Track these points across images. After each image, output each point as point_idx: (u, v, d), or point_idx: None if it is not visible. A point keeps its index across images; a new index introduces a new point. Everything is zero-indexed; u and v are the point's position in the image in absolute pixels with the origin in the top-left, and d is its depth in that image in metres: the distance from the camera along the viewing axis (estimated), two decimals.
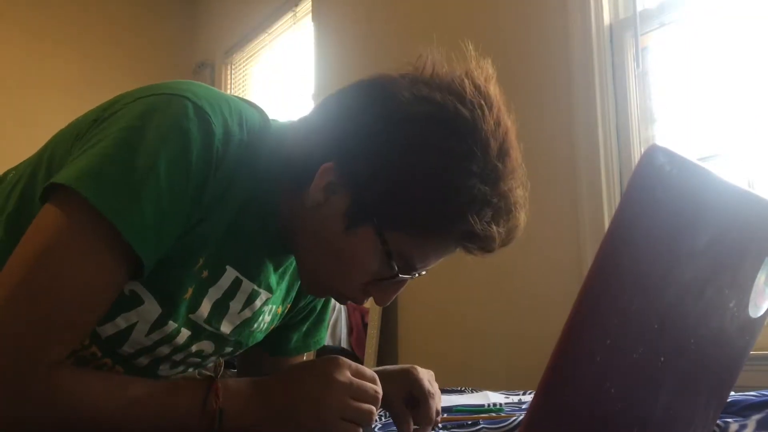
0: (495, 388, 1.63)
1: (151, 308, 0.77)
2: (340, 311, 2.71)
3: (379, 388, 0.81)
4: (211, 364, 0.95)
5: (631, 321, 0.47)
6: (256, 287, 0.86)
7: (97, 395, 0.72)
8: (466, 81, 0.79)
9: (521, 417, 1.02)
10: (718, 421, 0.83)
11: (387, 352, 2.49)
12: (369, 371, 0.82)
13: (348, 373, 0.79)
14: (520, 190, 0.79)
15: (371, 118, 0.77)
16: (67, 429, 0.70)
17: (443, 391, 1.68)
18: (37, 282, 0.68)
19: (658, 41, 1.96)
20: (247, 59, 4.04)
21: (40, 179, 0.78)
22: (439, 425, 1.03)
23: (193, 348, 0.86)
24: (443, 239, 0.79)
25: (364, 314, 2.60)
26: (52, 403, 0.69)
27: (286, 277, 0.94)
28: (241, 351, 0.96)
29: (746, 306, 0.58)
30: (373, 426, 0.80)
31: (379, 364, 2.45)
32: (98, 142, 0.72)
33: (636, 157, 1.95)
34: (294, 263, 0.93)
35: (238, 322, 0.88)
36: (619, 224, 0.40)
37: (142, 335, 0.79)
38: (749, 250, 0.55)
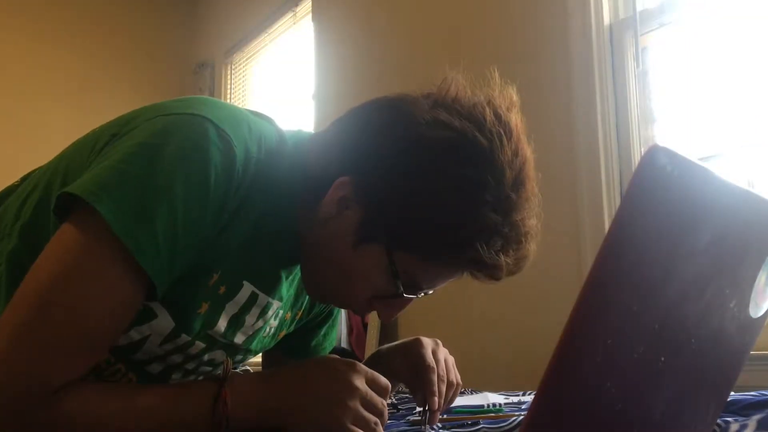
0: (495, 389, 1.63)
1: (164, 322, 0.77)
2: (339, 311, 2.71)
3: (386, 401, 0.81)
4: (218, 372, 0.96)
5: (631, 321, 0.47)
6: (270, 299, 0.87)
7: (104, 414, 0.71)
8: (487, 109, 0.79)
9: (521, 417, 1.02)
10: (718, 421, 0.83)
11: None
12: (383, 380, 0.82)
13: (363, 380, 0.79)
14: (532, 220, 0.79)
15: (391, 138, 0.78)
16: None
17: None
18: (53, 305, 0.67)
19: (658, 41, 1.96)
20: (247, 59, 4.04)
21: (55, 189, 0.78)
22: (439, 425, 1.03)
23: (206, 357, 0.86)
24: (451, 265, 0.79)
25: None
26: (56, 428, 0.69)
27: (295, 284, 0.94)
28: (250, 357, 0.97)
29: (747, 306, 0.58)
30: None
31: None
32: (114, 155, 0.72)
33: (636, 157, 1.95)
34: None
35: (251, 333, 0.89)
36: (620, 224, 0.40)
37: (155, 346, 0.79)
38: (750, 250, 0.55)
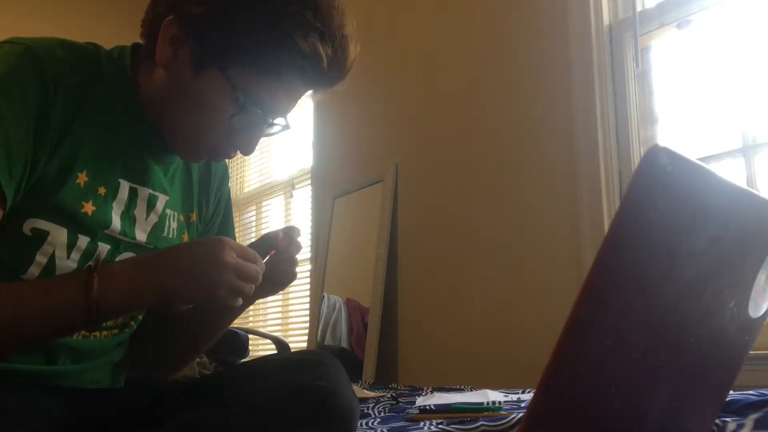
0: (495, 387, 1.63)
1: (57, 233, 0.84)
2: (340, 311, 2.71)
3: (260, 268, 0.86)
4: None
5: (631, 320, 0.47)
6: (151, 191, 0.95)
7: None
8: None
9: (521, 415, 1.02)
10: (716, 420, 0.84)
11: (387, 351, 2.49)
12: (251, 251, 0.87)
13: (234, 255, 0.84)
14: (346, 26, 0.89)
15: None
16: None
17: (442, 390, 1.69)
18: None
19: (658, 41, 1.96)
20: None
21: None
22: (438, 421, 1.04)
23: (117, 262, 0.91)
24: (281, 67, 0.86)
25: (364, 314, 2.60)
26: None
27: (176, 181, 1.01)
28: None
29: (746, 306, 0.58)
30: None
31: (379, 363, 2.46)
32: None
33: (635, 157, 1.95)
34: (180, 168, 1.02)
35: (149, 228, 0.96)
36: (621, 224, 0.40)
37: (65, 261, 0.86)
38: (749, 250, 0.55)
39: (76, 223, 0.86)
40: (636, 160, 1.97)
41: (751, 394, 1.00)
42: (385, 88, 2.71)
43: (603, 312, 0.45)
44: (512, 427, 0.97)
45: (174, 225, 1.01)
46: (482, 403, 1.24)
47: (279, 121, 0.93)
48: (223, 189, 1.12)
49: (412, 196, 2.56)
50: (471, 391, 1.64)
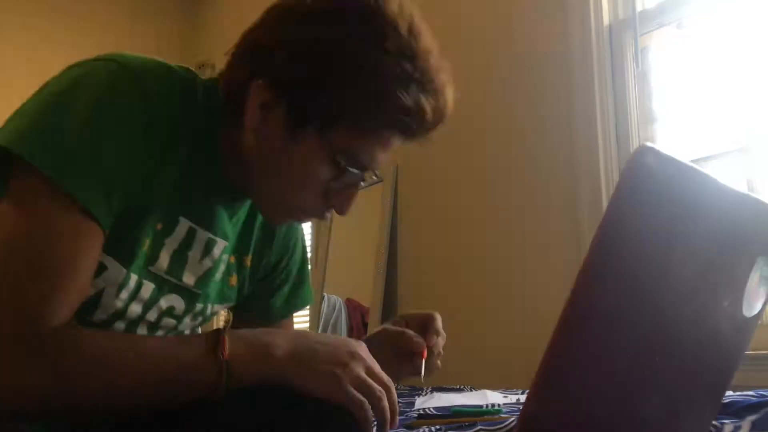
0: (494, 387, 1.63)
1: (116, 271, 0.79)
2: (340, 311, 2.71)
3: (392, 385, 0.79)
4: (188, 330, 0.95)
5: (623, 321, 0.47)
6: (212, 236, 0.89)
7: (107, 352, 0.71)
8: None
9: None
10: (714, 422, 0.83)
11: None
12: (385, 375, 0.81)
13: (367, 355, 0.78)
14: (443, 71, 0.83)
15: (286, 27, 0.82)
16: (78, 392, 0.69)
17: (441, 390, 1.68)
18: (16, 257, 0.70)
19: (658, 41, 1.96)
20: None
21: None
22: (437, 426, 1.03)
23: (163, 303, 0.87)
24: (380, 123, 0.81)
25: (364, 314, 2.60)
26: (62, 363, 0.69)
27: (239, 225, 0.96)
28: (213, 309, 0.96)
29: (740, 305, 0.58)
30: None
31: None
32: (31, 107, 0.76)
33: None
34: (246, 211, 0.95)
35: (201, 273, 0.90)
36: (609, 224, 0.40)
37: (112, 298, 0.81)
38: (742, 250, 0.55)
39: (132, 261, 0.80)
40: None
41: (750, 395, 1.00)
42: None
43: (594, 312, 0.45)
44: (510, 430, 0.97)
45: (223, 267, 0.94)
46: (481, 406, 1.23)
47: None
48: (292, 233, 1.06)
49: (413, 196, 2.56)
50: (470, 391, 1.63)
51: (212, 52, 4.28)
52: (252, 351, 0.74)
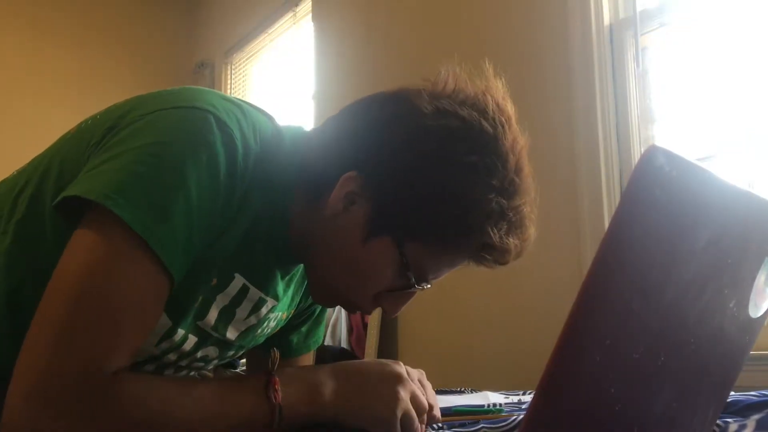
0: (495, 388, 1.63)
1: (162, 322, 0.77)
2: (340, 311, 2.71)
3: (433, 400, 0.83)
4: (210, 367, 0.95)
5: (630, 321, 0.47)
6: (263, 295, 0.86)
7: (164, 398, 0.70)
8: (488, 97, 0.81)
9: (521, 416, 1.01)
10: (717, 421, 0.83)
11: (387, 352, 2.49)
12: (430, 387, 0.84)
13: (410, 378, 0.81)
14: (529, 206, 0.81)
15: (395, 130, 0.78)
16: None
17: (443, 392, 1.68)
18: (87, 297, 0.67)
19: (658, 41, 1.96)
20: (247, 59, 4.04)
21: (50, 184, 0.77)
22: (439, 424, 1.03)
23: (199, 354, 0.86)
24: (460, 251, 0.80)
25: (364, 314, 2.60)
26: (122, 409, 0.67)
27: (292, 285, 0.94)
28: (241, 354, 0.96)
29: (746, 306, 0.58)
30: None
31: None
32: (122, 155, 0.71)
33: (636, 157, 1.95)
34: (300, 271, 0.93)
35: (244, 329, 0.88)
36: (619, 224, 0.40)
37: (152, 346, 0.79)
38: (749, 250, 0.55)
39: (182, 317, 0.78)
40: (636, 160, 1.96)
41: (752, 394, 1.00)
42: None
43: (602, 312, 0.45)
44: (512, 429, 0.97)
45: (272, 324, 0.94)
46: (483, 406, 1.23)
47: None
48: None
49: None
50: (471, 393, 1.63)
51: (212, 52, 4.28)
52: (302, 391, 0.76)
